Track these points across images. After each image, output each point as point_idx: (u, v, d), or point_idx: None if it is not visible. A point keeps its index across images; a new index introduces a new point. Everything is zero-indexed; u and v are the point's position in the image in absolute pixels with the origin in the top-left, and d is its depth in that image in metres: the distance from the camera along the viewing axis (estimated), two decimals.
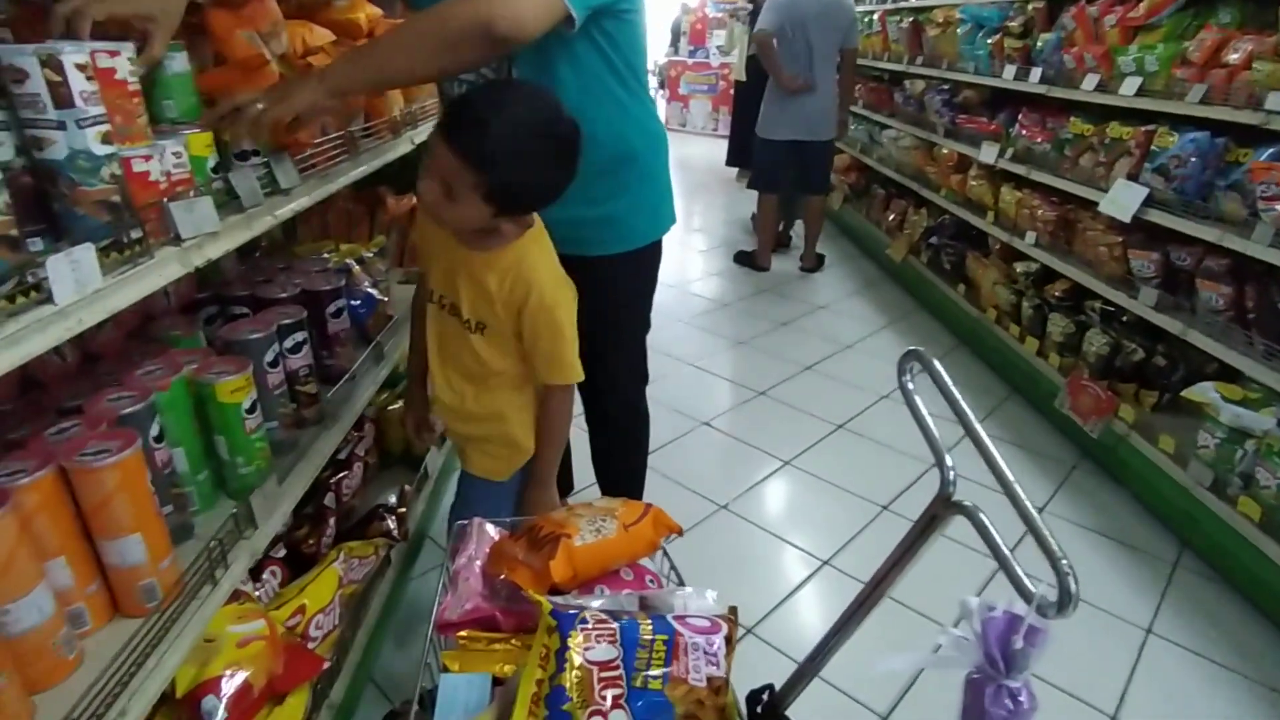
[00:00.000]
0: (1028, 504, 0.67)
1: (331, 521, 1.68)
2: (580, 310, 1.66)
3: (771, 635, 1.87)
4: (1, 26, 1.04)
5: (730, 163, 6.61)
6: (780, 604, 1.99)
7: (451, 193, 1.14)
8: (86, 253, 0.80)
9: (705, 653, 0.86)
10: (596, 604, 0.94)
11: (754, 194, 4.70)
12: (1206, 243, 2.16)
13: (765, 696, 0.97)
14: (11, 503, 0.81)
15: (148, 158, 0.95)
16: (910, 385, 0.86)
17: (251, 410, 1.20)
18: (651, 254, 1.66)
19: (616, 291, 1.64)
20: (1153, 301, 2.40)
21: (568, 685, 0.81)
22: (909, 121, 4.49)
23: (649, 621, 0.87)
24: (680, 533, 1.18)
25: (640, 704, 0.82)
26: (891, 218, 4.71)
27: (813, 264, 4.72)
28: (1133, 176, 2.48)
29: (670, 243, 1.70)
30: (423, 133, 1.97)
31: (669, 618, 0.89)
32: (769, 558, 2.18)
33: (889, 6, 5.00)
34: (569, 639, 0.83)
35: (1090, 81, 2.70)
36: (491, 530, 1.18)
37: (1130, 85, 2.48)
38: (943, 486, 0.77)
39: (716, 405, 3.05)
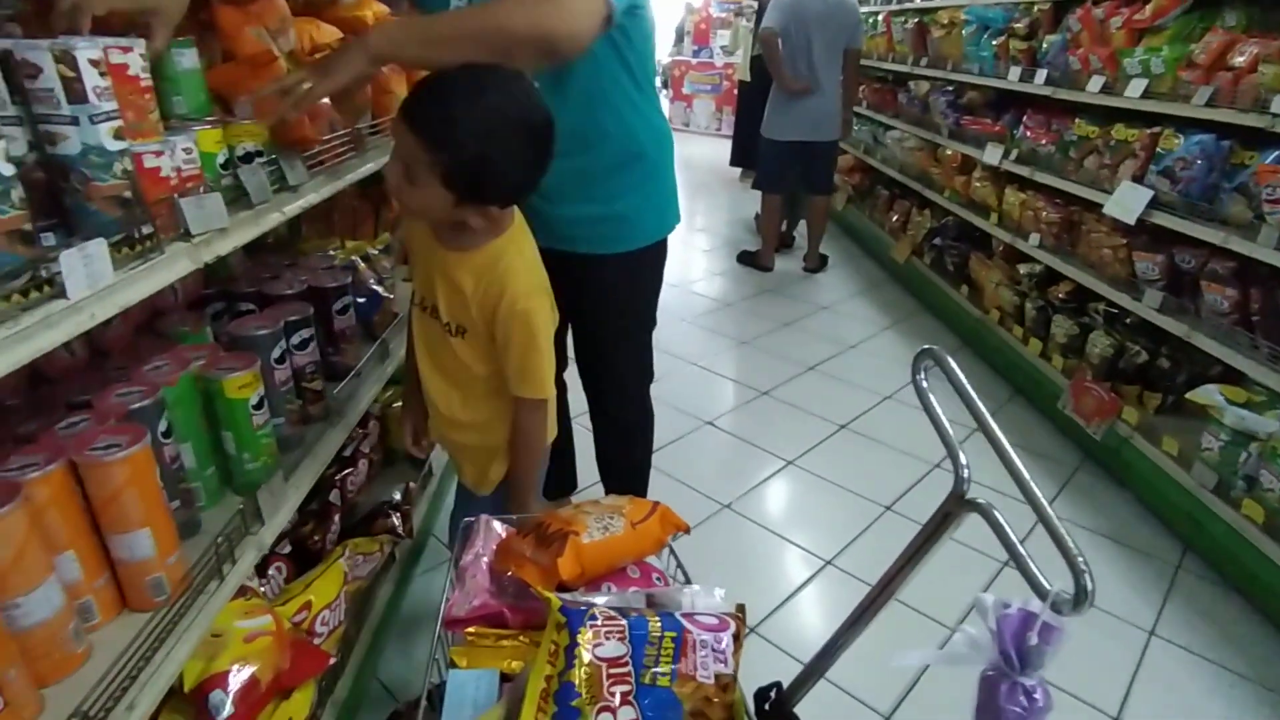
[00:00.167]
0: (1043, 501, 0.67)
1: (336, 518, 1.68)
2: (588, 308, 1.67)
3: (773, 634, 1.87)
4: (10, 22, 1.04)
5: (734, 163, 6.61)
6: (782, 603, 1.99)
7: (411, 175, 1.10)
8: (99, 248, 0.80)
9: (713, 650, 0.86)
10: (603, 601, 0.94)
11: (757, 194, 4.71)
12: (1211, 245, 2.16)
13: (773, 694, 0.97)
14: (22, 496, 0.82)
15: (159, 153, 0.95)
16: (925, 383, 0.86)
17: (259, 406, 1.20)
18: (658, 252, 1.66)
19: (624, 289, 1.65)
20: (1157, 304, 2.40)
21: (577, 681, 0.81)
22: (913, 122, 4.49)
23: (657, 619, 0.87)
24: (687, 530, 1.18)
25: (648, 701, 0.82)
26: (895, 219, 4.71)
27: (816, 264, 4.72)
28: (1138, 179, 2.48)
29: (673, 242, 1.70)
30: None
31: (677, 615, 0.89)
32: (771, 557, 2.18)
33: (894, 7, 5.00)
34: (578, 635, 0.83)
35: (1096, 83, 2.70)
36: (499, 527, 1.18)
37: (1136, 87, 2.48)
38: (957, 484, 0.77)
39: (719, 405, 3.05)
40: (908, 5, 4.78)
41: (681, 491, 2.42)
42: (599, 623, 0.85)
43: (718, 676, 0.86)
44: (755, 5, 5.56)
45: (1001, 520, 0.71)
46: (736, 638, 0.89)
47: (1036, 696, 0.61)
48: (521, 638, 1.01)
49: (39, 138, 0.82)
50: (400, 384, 2.15)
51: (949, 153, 3.99)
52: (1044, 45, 3.14)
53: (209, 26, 1.21)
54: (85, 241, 0.79)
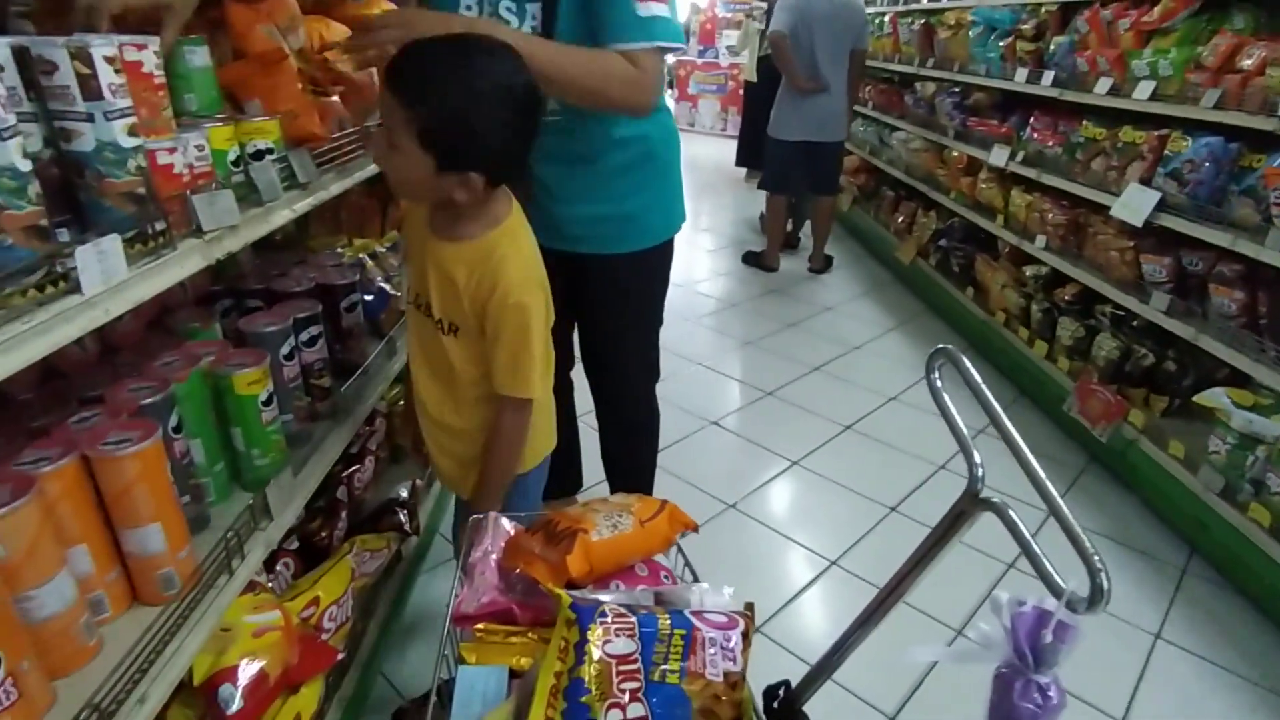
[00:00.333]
0: (1059, 500, 0.67)
1: (343, 515, 1.68)
2: (595, 307, 1.67)
3: (778, 634, 1.87)
4: (24, 19, 1.05)
5: (740, 163, 6.61)
6: (787, 603, 1.99)
7: (393, 139, 1.08)
8: (114, 243, 0.81)
9: (722, 648, 0.86)
10: (612, 599, 0.94)
11: (762, 194, 4.71)
12: (1219, 248, 2.15)
13: (781, 692, 0.97)
14: (35, 490, 0.82)
15: (172, 150, 0.96)
16: (939, 383, 0.86)
17: (268, 402, 1.21)
18: (666, 251, 1.66)
19: (633, 289, 1.65)
20: (1164, 306, 2.39)
21: (586, 678, 0.81)
22: (919, 124, 4.48)
23: (667, 616, 0.87)
24: (696, 529, 1.18)
25: (658, 698, 0.82)
26: (900, 220, 4.71)
27: (821, 265, 4.72)
28: (1145, 181, 2.47)
29: (679, 242, 1.70)
30: None
31: (686, 613, 0.89)
32: (776, 557, 2.18)
33: (901, 8, 4.99)
34: (588, 632, 0.83)
35: (1103, 85, 2.69)
36: (507, 524, 1.18)
37: (1144, 89, 2.47)
38: (971, 482, 0.77)
39: (725, 405, 3.05)
40: (914, 6, 4.78)
41: (687, 491, 2.42)
42: (609, 619, 0.85)
43: (727, 674, 0.86)
44: (765, 6, 5.56)
45: (1016, 519, 0.71)
46: (745, 636, 0.89)
47: (1051, 694, 0.61)
48: (530, 634, 1.01)
49: (54, 134, 0.83)
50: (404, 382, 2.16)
51: (955, 154, 3.99)
52: (1051, 47, 3.13)
53: (220, 24, 1.22)
54: (100, 237, 0.80)
